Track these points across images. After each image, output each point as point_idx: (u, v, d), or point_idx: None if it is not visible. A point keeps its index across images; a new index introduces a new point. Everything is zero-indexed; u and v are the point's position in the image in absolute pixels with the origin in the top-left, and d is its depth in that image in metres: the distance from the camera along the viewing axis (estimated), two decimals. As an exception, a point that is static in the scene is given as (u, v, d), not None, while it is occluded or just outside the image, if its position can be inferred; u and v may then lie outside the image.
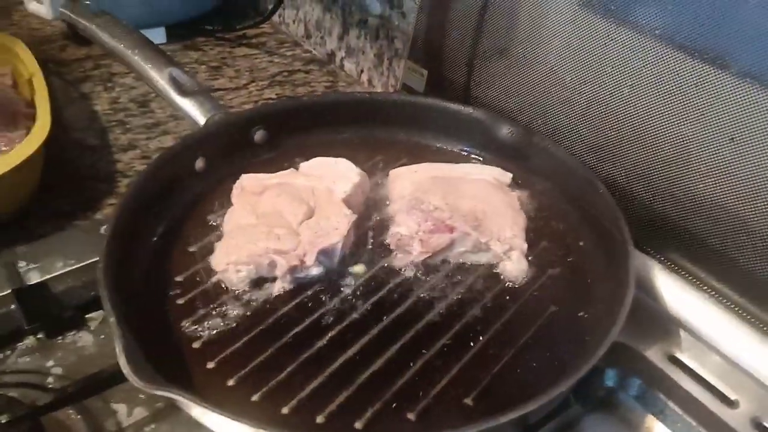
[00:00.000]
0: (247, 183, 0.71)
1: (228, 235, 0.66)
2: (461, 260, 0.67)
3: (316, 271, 0.64)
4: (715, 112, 0.62)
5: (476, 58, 0.85)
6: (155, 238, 0.68)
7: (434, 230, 0.66)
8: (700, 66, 0.62)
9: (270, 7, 1.24)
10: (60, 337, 0.65)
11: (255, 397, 0.53)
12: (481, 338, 0.59)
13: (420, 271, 0.65)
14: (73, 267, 0.67)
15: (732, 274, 0.65)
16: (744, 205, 0.62)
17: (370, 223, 0.71)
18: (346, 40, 1.18)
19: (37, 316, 0.64)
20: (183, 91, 0.79)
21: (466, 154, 0.82)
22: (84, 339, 0.65)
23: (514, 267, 0.65)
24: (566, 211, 0.73)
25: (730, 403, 0.58)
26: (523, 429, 0.52)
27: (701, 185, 0.65)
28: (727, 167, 0.63)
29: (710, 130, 0.63)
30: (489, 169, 0.76)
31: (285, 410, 0.53)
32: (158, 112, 1.03)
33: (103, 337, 0.65)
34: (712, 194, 0.64)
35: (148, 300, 0.61)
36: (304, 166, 0.74)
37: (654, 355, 0.61)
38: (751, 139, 0.60)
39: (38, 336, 0.64)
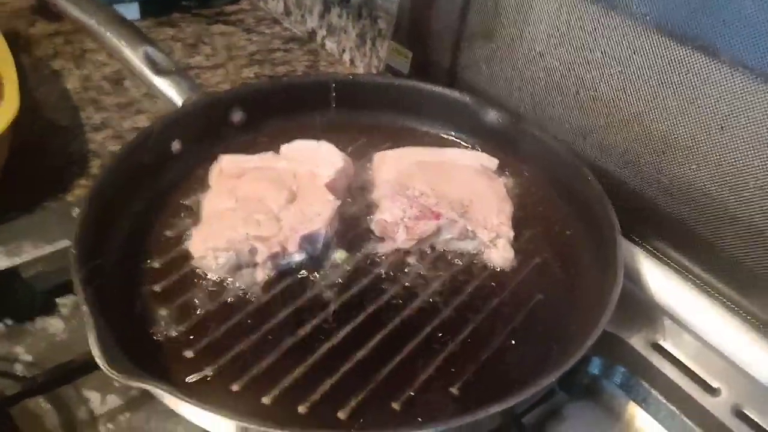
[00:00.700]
0: (226, 165, 0.69)
1: (206, 221, 0.64)
2: (447, 247, 0.66)
3: (298, 257, 0.62)
4: (705, 100, 0.62)
5: (463, 41, 0.84)
6: (130, 222, 0.65)
7: (420, 217, 0.65)
8: (691, 53, 0.62)
9: (248, -18, 1.21)
10: (29, 323, 0.63)
11: (235, 387, 0.52)
12: (467, 326, 0.58)
13: (405, 259, 0.64)
14: (45, 252, 0.64)
15: (717, 262, 0.65)
16: (731, 194, 0.62)
17: (353, 209, 0.69)
18: (328, 18, 1.15)
19: (5, 302, 0.62)
20: (158, 70, 0.76)
21: (452, 138, 0.81)
22: (55, 326, 0.63)
23: (501, 255, 0.64)
24: (554, 199, 0.72)
25: (713, 391, 0.58)
26: (508, 418, 0.51)
27: (689, 173, 0.65)
28: (715, 156, 0.62)
29: (700, 119, 0.63)
30: (475, 154, 0.75)
31: (266, 400, 0.52)
32: (132, 91, 1.00)
33: (74, 322, 0.63)
34: (700, 183, 0.64)
35: (122, 287, 0.59)
36: (284, 148, 0.72)
37: (638, 342, 0.62)
38: (740, 128, 0.60)
39: (6, 322, 0.62)
